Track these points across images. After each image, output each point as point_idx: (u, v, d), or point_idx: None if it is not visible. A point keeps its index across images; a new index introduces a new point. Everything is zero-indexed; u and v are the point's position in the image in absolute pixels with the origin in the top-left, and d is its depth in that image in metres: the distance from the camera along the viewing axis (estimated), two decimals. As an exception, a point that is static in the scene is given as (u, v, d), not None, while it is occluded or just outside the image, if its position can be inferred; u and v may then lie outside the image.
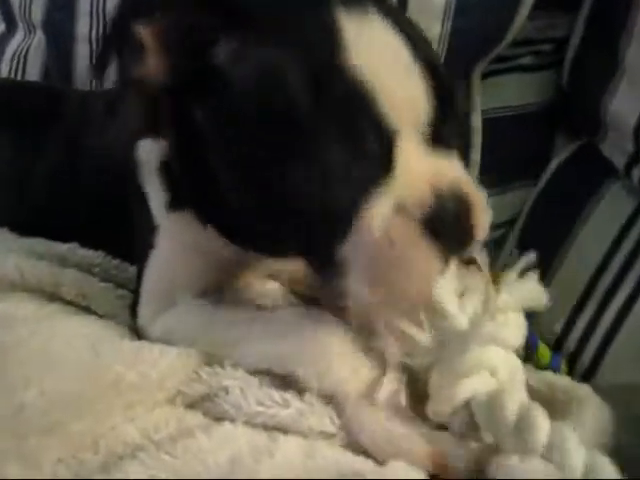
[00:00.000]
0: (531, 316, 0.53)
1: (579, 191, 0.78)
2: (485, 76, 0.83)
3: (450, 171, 0.43)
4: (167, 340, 0.50)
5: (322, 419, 0.44)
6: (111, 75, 0.86)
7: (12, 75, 0.96)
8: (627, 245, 0.70)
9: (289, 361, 0.46)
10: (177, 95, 0.47)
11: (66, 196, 0.66)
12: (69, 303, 0.56)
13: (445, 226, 0.41)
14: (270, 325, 0.49)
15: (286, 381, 0.46)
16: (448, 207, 0.41)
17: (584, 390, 0.54)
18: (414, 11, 0.71)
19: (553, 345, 0.69)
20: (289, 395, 0.43)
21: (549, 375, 0.58)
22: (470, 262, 0.53)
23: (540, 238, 0.81)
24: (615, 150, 0.74)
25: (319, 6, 0.44)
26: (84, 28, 0.89)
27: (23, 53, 0.97)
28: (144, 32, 0.44)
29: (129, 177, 0.56)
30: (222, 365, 0.47)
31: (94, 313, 0.56)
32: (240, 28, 0.44)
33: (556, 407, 0.51)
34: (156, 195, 0.54)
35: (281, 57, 0.42)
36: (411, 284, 0.41)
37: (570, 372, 0.66)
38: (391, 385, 0.45)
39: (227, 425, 0.43)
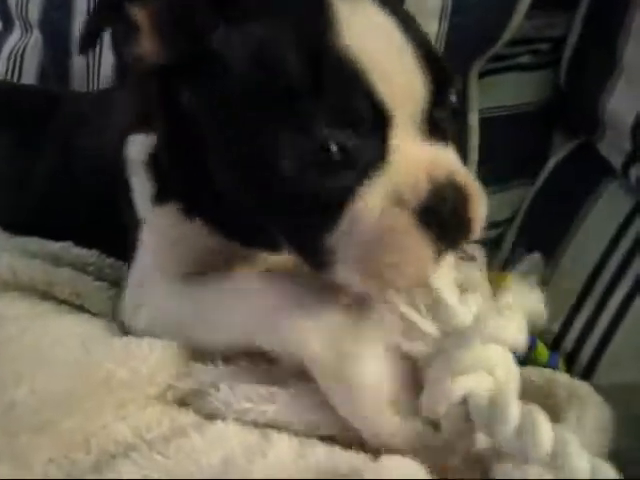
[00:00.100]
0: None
1: (577, 190, 0.77)
2: (483, 75, 0.83)
3: (446, 160, 0.42)
4: (151, 332, 0.49)
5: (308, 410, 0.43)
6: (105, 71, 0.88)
7: (9, 74, 0.96)
8: (625, 244, 0.69)
9: (251, 331, 0.45)
10: (168, 78, 0.47)
11: (61, 196, 0.66)
12: (63, 302, 0.56)
13: (441, 216, 0.40)
14: (237, 298, 0.48)
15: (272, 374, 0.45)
16: (444, 196, 0.40)
17: (585, 389, 0.54)
18: (411, 9, 0.71)
19: (551, 344, 0.69)
20: (274, 389, 0.43)
21: (550, 372, 0.57)
22: (469, 260, 0.53)
23: (538, 237, 0.80)
24: (612, 149, 0.74)
25: None
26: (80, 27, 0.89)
27: (20, 52, 0.97)
28: (139, 13, 0.45)
29: (117, 174, 0.56)
30: (212, 360, 0.47)
31: (87, 312, 0.56)
32: (234, 10, 0.44)
33: (557, 403, 0.51)
34: (142, 189, 0.54)
35: (276, 37, 0.42)
36: (404, 273, 0.40)
37: (568, 371, 0.66)
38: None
39: (219, 424, 0.42)
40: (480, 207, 0.42)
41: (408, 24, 0.43)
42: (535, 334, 0.61)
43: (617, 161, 0.73)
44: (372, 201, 0.40)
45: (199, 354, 0.48)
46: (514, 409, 0.40)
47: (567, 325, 0.71)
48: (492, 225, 0.84)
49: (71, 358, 0.44)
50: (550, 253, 0.76)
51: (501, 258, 0.83)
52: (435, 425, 0.42)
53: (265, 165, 0.41)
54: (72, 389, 0.41)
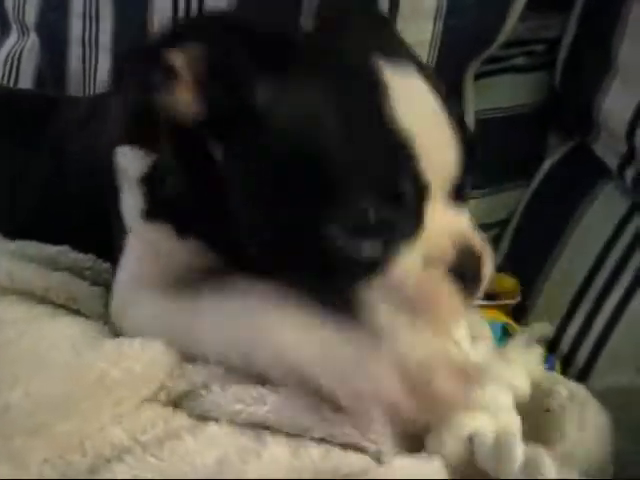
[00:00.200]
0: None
1: (572, 192, 0.78)
2: (478, 77, 0.83)
3: (465, 226, 0.46)
4: (140, 334, 0.48)
5: (299, 412, 0.43)
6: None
7: (6, 77, 0.96)
8: (620, 246, 0.70)
9: (243, 346, 0.45)
10: (201, 130, 0.45)
11: (56, 199, 0.66)
12: (60, 306, 0.56)
13: (462, 278, 0.44)
14: (226, 311, 0.47)
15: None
16: (465, 261, 0.44)
17: (582, 393, 0.54)
18: (406, 11, 0.71)
19: (547, 346, 0.69)
20: (266, 390, 0.43)
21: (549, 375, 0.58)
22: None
23: (533, 239, 0.81)
24: (608, 151, 0.74)
25: (362, 54, 0.44)
26: (77, 30, 0.89)
27: (17, 55, 0.97)
28: (180, 61, 0.42)
29: (107, 181, 0.56)
30: (204, 360, 0.46)
31: (84, 316, 0.56)
32: (280, 69, 0.43)
33: (556, 407, 0.51)
34: (133, 202, 0.54)
35: (322, 102, 0.42)
36: (436, 321, 0.44)
37: (564, 373, 0.66)
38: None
39: (213, 426, 0.42)
40: (489, 266, 0.47)
41: (440, 92, 0.44)
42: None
43: (612, 162, 0.73)
44: (410, 264, 0.43)
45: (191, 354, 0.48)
46: (519, 449, 0.41)
47: (563, 327, 0.71)
48: (488, 227, 0.84)
49: (64, 361, 0.44)
50: (546, 255, 0.76)
51: (497, 260, 0.83)
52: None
53: (298, 224, 0.43)
54: (66, 392, 0.41)
